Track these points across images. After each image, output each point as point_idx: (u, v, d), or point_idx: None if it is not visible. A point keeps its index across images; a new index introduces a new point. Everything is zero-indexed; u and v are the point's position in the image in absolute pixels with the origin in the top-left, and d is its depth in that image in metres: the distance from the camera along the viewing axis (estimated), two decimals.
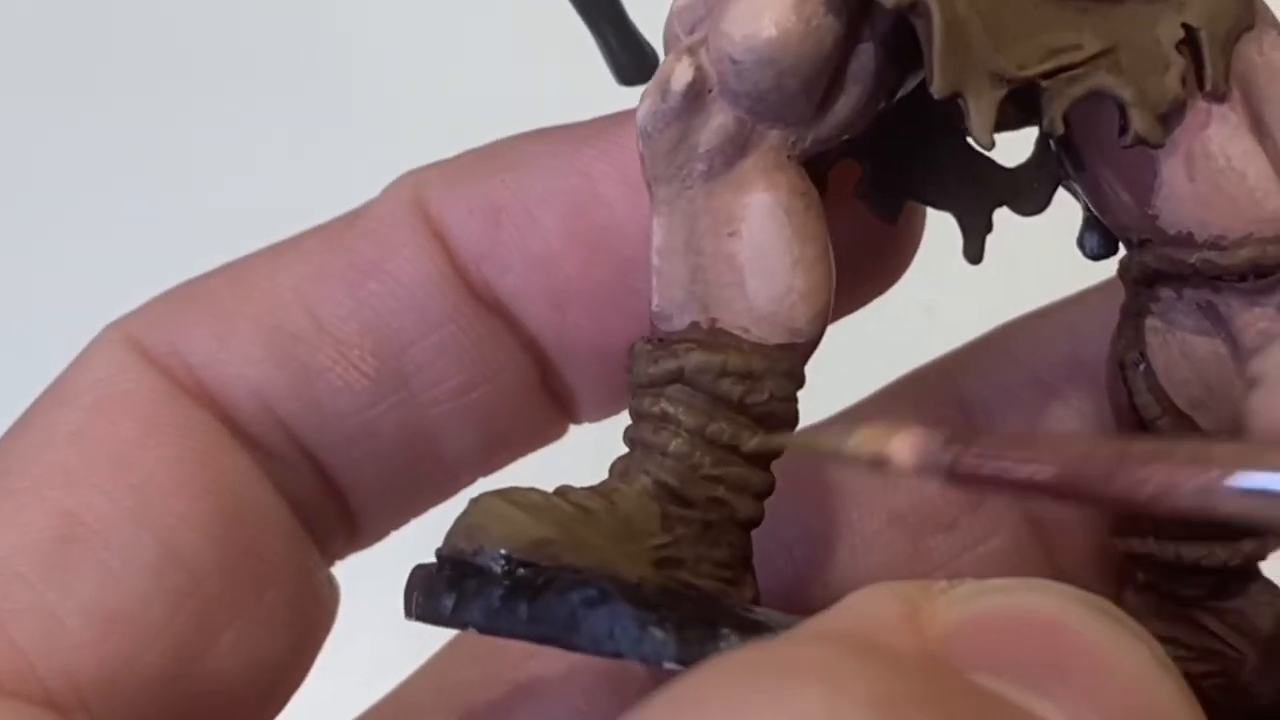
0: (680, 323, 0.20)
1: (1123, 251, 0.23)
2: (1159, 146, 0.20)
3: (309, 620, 0.24)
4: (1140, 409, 0.22)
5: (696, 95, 0.20)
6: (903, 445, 0.19)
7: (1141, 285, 0.22)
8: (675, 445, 0.20)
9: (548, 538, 0.19)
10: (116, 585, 0.21)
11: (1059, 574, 0.25)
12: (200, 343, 0.23)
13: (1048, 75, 0.19)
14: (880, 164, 0.23)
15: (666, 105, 0.20)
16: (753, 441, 0.20)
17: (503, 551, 0.19)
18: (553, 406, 0.25)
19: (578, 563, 0.19)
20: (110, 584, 0.21)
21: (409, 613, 0.20)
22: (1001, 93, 0.19)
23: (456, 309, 0.23)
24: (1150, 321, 0.22)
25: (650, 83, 0.20)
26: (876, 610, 0.17)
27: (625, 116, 0.22)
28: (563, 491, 0.20)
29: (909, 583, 0.18)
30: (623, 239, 0.23)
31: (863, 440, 0.19)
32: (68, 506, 0.21)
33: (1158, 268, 0.21)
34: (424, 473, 0.24)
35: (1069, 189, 0.23)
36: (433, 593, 0.20)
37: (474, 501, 0.20)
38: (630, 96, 0.22)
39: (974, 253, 0.23)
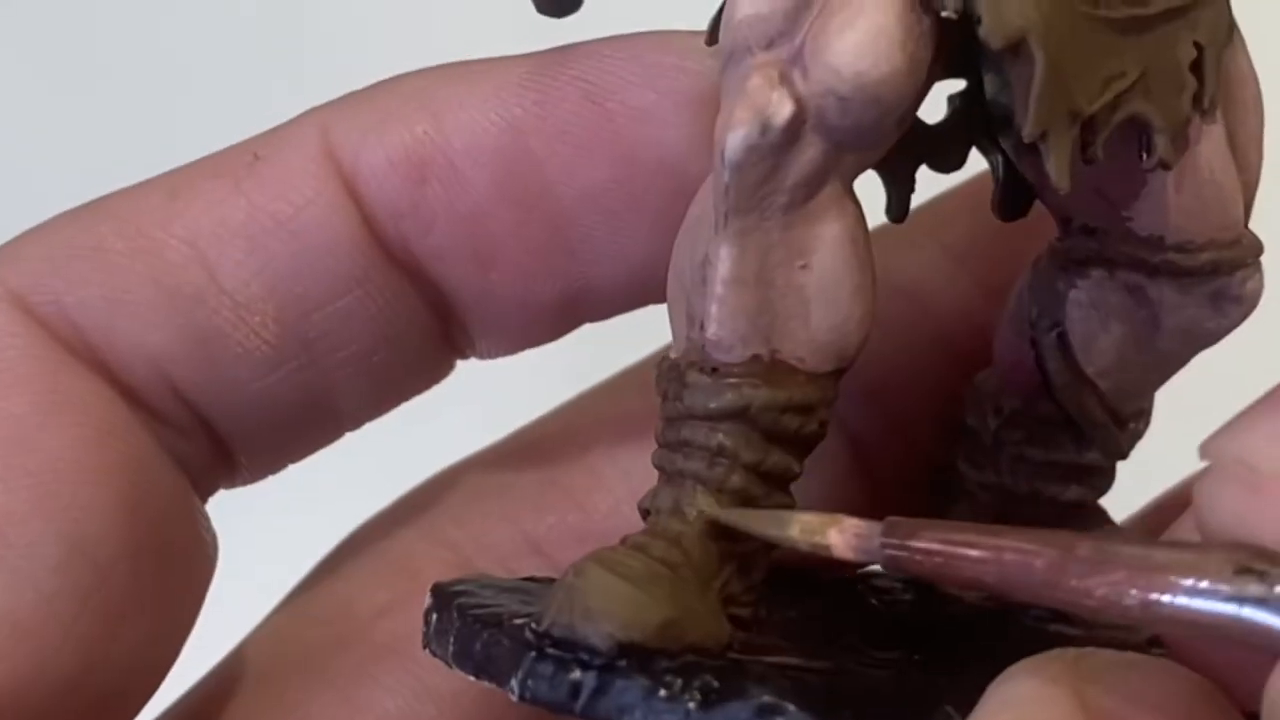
0: (740, 354, 0.20)
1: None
2: (1168, 169, 0.20)
3: (199, 579, 0.23)
4: (1049, 373, 0.23)
5: (795, 129, 0.19)
6: (841, 536, 0.19)
7: (1074, 263, 0.22)
8: (733, 481, 0.20)
9: (670, 619, 0.19)
10: (21, 588, 0.19)
11: (876, 490, 0.25)
12: (94, 305, 0.21)
13: (1108, 106, 0.19)
14: None
15: (765, 140, 0.19)
16: (709, 512, 0.20)
17: (633, 640, 0.18)
18: (451, 351, 0.24)
19: (698, 641, 0.19)
20: (14, 587, 0.19)
21: (515, 692, 0.19)
22: (1075, 132, 0.19)
23: (366, 273, 0.22)
24: (1075, 295, 0.22)
25: (741, 110, 0.19)
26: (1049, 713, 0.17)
27: (554, 63, 0.21)
28: (643, 546, 0.20)
29: (1052, 664, 0.18)
30: (556, 200, 0.22)
31: (804, 528, 0.19)
32: None
33: (1110, 257, 0.22)
34: (316, 427, 0.23)
35: (982, 149, 0.23)
36: (550, 678, 0.18)
37: (579, 574, 0.19)
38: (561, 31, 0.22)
39: (898, 211, 0.23)
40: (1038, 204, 0.22)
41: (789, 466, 0.20)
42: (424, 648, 0.20)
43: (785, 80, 0.19)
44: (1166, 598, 0.18)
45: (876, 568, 0.21)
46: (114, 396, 0.21)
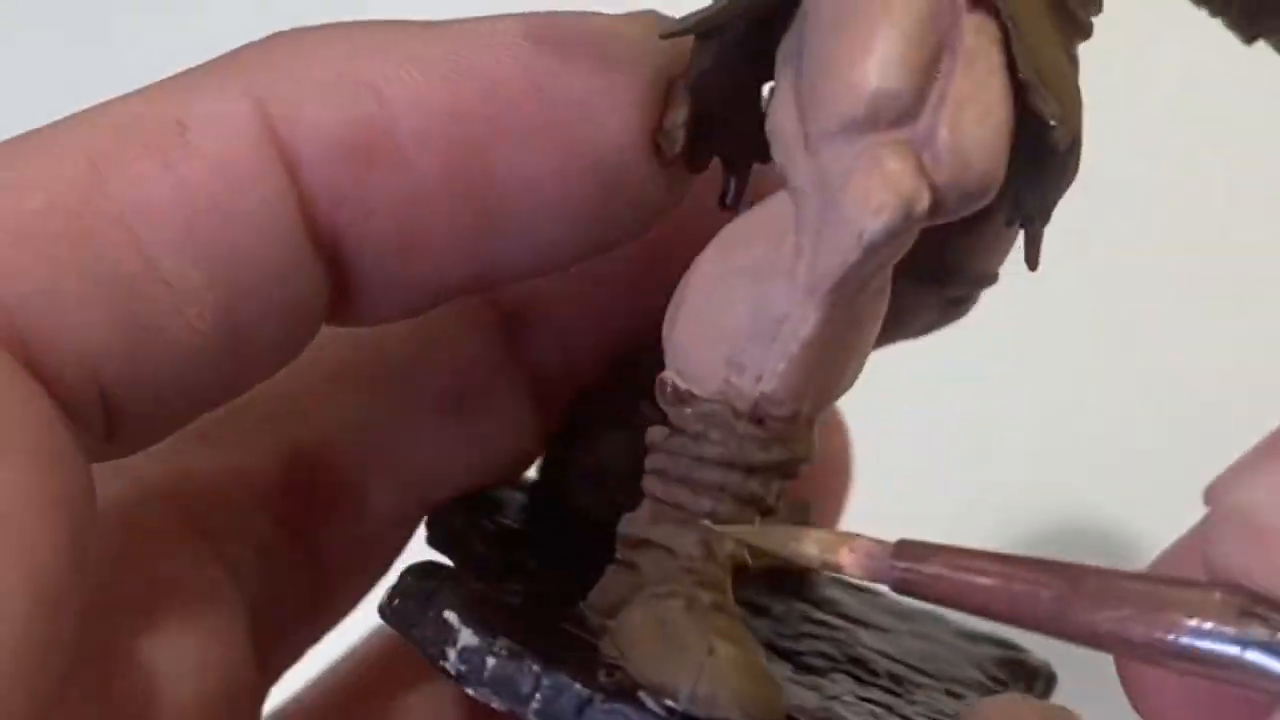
0: (787, 410, 0.20)
1: None
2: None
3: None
4: None
5: (924, 219, 0.19)
6: (852, 556, 0.19)
7: None
8: (752, 524, 0.21)
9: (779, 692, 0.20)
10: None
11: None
12: (31, 300, 0.18)
13: None
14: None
15: (905, 227, 0.18)
16: (716, 528, 0.20)
17: None
18: (325, 324, 0.22)
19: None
20: None
21: None
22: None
23: (295, 261, 0.20)
24: None
25: (884, 193, 0.18)
26: None
27: (499, 42, 0.20)
28: (722, 605, 0.20)
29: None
30: (492, 190, 0.21)
31: (815, 545, 0.19)
32: None
33: None
34: (206, 409, 0.22)
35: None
36: None
37: (713, 652, 0.19)
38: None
39: (734, 201, 0.23)
40: None
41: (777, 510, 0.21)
42: (441, 670, 0.20)
43: (920, 166, 0.18)
44: (1171, 636, 0.18)
45: None
46: (52, 408, 0.18)
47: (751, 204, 0.22)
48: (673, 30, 0.20)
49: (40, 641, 0.17)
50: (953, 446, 0.40)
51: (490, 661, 0.19)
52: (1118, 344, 0.40)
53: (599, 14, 0.21)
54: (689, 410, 0.20)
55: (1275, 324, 0.40)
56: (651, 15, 0.22)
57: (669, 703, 0.18)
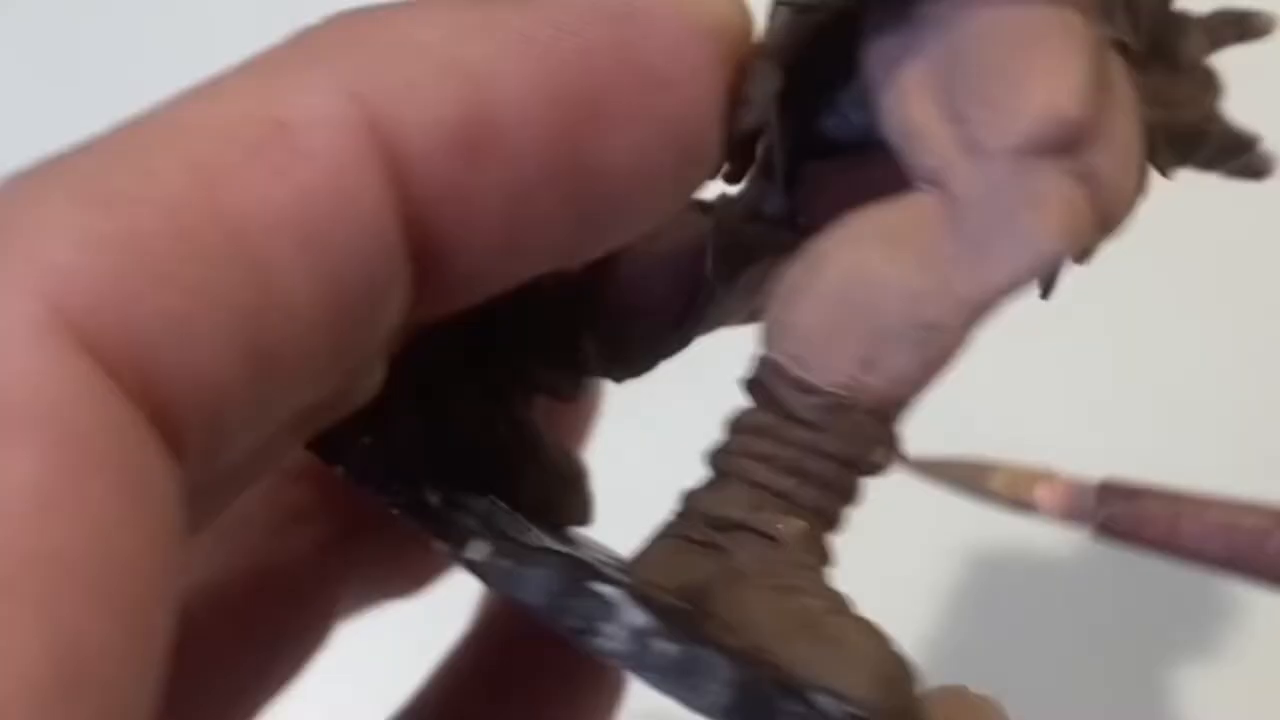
0: (900, 415, 0.20)
1: None
2: None
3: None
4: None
5: None
6: (1050, 494, 0.17)
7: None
8: (842, 520, 0.20)
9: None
10: None
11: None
12: (158, 337, 0.16)
13: None
14: None
15: (1074, 252, 0.19)
16: (905, 464, 0.18)
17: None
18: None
19: None
20: None
21: None
22: None
23: (395, 273, 0.20)
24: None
25: (1063, 222, 0.18)
26: None
27: (586, 16, 0.20)
28: (847, 603, 0.19)
29: None
30: (588, 176, 0.20)
31: (1008, 481, 0.17)
32: (63, 625, 0.14)
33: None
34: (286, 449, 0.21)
35: None
36: None
37: (889, 663, 0.18)
38: None
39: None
40: None
41: None
42: (604, 655, 0.18)
43: (1088, 201, 0.19)
44: None
45: None
46: (172, 470, 0.17)
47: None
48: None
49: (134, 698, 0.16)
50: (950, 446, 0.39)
51: (665, 646, 0.17)
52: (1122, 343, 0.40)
53: None
54: (813, 400, 0.19)
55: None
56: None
57: (854, 710, 0.17)
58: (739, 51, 0.20)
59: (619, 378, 0.22)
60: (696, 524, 0.18)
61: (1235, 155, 0.23)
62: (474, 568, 0.17)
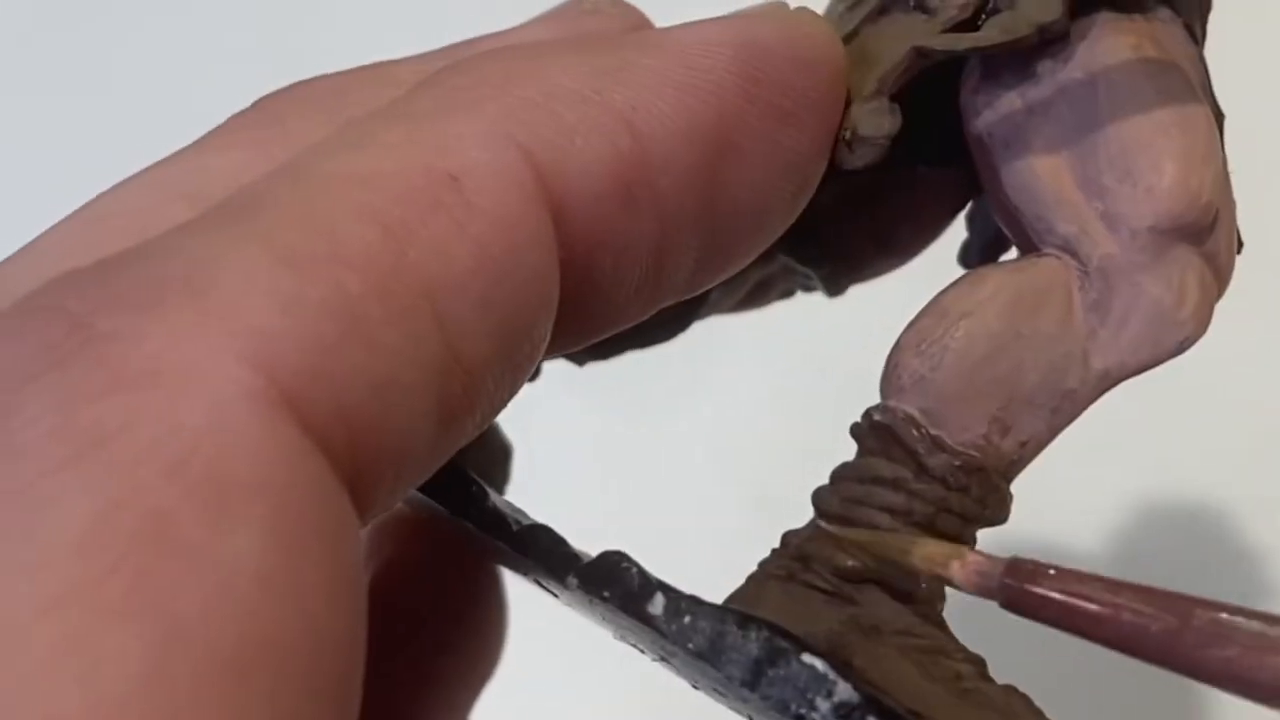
0: (1016, 474, 0.21)
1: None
2: None
3: None
4: None
5: None
6: (963, 571, 0.19)
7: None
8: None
9: None
10: None
11: None
12: (364, 403, 0.15)
13: None
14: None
15: (1195, 343, 0.20)
16: (832, 529, 0.20)
17: None
18: None
19: None
20: None
21: None
22: None
23: (549, 329, 0.18)
24: None
25: (1201, 310, 0.20)
26: None
27: (709, 50, 0.19)
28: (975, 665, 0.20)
29: None
30: (717, 213, 0.19)
31: (926, 556, 0.20)
32: (283, 716, 0.14)
33: None
34: None
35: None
36: None
37: (1013, 698, 0.19)
38: None
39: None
40: None
41: None
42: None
43: (1214, 282, 0.20)
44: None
45: None
46: (360, 534, 0.16)
47: None
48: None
49: None
50: None
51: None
52: None
53: (786, 7, 0.20)
54: (954, 462, 0.20)
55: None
56: (813, 13, 0.20)
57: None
58: (840, 83, 0.20)
59: (581, 360, 0.24)
60: (819, 571, 0.20)
61: None
62: (658, 626, 0.18)
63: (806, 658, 0.18)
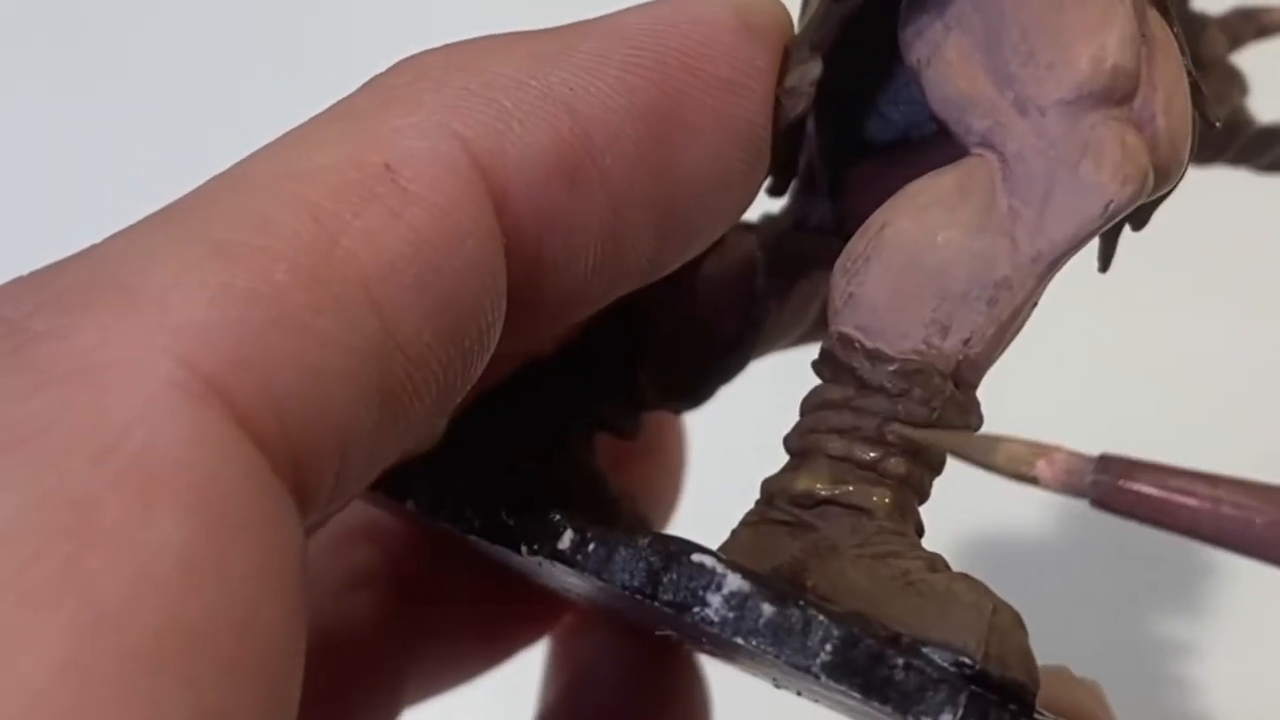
0: (979, 378, 0.20)
1: None
2: None
3: None
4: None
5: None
6: (1051, 469, 0.18)
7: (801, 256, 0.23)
8: (927, 489, 0.20)
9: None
10: None
11: None
12: (296, 388, 0.16)
13: None
14: None
15: (1138, 199, 0.19)
16: (908, 431, 0.20)
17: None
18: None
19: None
20: None
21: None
22: None
23: (499, 305, 0.18)
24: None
25: (1130, 166, 0.19)
26: None
27: (649, 35, 0.19)
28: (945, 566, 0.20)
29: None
30: (669, 187, 0.19)
31: (1010, 456, 0.18)
32: (206, 703, 0.14)
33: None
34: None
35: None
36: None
37: (998, 612, 0.18)
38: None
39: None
40: None
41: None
42: (700, 623, 0.18)
43: (1145, 145, 0.19)
44: None
45: None
46: (301, 536, 0.16)
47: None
48: None
49: None
50: None
51: (765, 608, 0.18)
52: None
53: None
54: (890, 368, 0.20)
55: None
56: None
57: (963, 659, 0.18)
58: (782, 47, 0.20)
59: (679, 409, 0.24)
60: (780, 505, 0.20)
61: (1265, 150, 0.22)
62: (566, 558, 0.19)
63: (695, 557, 0.18)
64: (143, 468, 0.14)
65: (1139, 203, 0.19)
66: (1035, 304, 0.20)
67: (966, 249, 0.20)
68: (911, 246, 0.20)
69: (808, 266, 0.23)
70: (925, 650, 0.18)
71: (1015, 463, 0.18)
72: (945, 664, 0.17)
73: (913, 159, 0.22)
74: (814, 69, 0.20)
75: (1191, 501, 0.17)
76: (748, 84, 0.20)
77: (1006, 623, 0.18)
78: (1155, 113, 0.19)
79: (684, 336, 0.24)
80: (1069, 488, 0.18)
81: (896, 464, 0.20)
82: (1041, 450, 0.18)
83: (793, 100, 0.20)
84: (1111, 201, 0.19)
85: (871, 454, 0.20)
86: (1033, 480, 0.18)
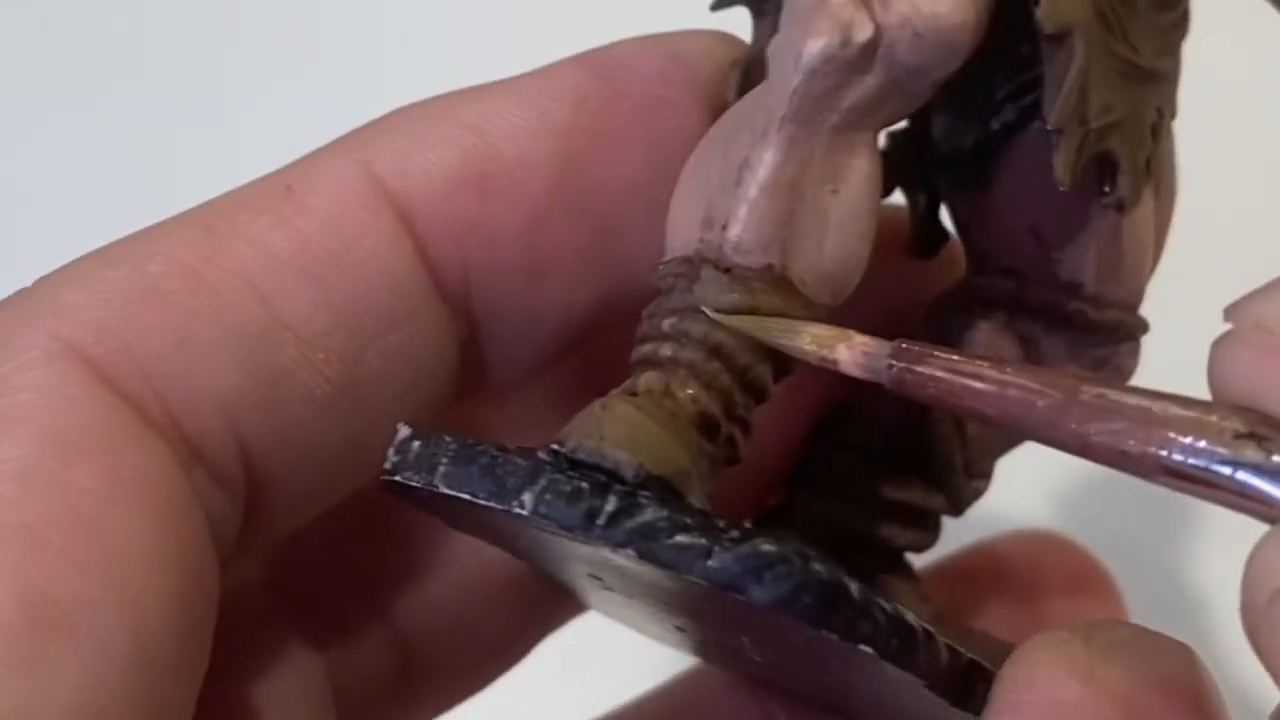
0: (757, 260, 0.20)
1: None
2: (1125, 213, 0.21)
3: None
4: (931, 411, 0.23)
5: (869, 53, 0.19)
6: (850, 352, 0.19)
7: (979, 304, 0.23)
8: (722, 381, 0.20)
9: (688, 468, 0.19)
10: (92, 684, 0.17)
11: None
12: (164, 352, 0.19)
13: (1097, 131, 0.20)
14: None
15: (843, 54, 0.19)
16: (717, 317, 0.20)
17: (660, 475, 0.19)
18: (457, 389, 0.22)
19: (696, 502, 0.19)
20: (87, 683, 0.17)
21: (528, 508, 0.18)
22: (1080, 136, 0.20)
23: (416, 305, 0.21)
24: (969, 336, 0.23)
25: (823, 21, 0.19)
26: (1061, 694, 0.18)
27: (576, 65, 0.22)
28: (648, 406, 0.20)
29: (1067, 647, 0.18)
30: (601, 198, 0.22)
31: (814, 339, 0.19)
32: (34, 579, 0.17)
33: (1023, 300, 0.23)
34: (350, 476, 0.21)
35: (905, 188, 0.24)
36: (569, 495, 0.18)
37: (606, 407, 0.19)
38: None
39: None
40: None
41: (766, 385, 0.20)
42: (388, 477, 0.19)
43: (866, 5, 0.19)
44: (1164, 452, 0.17)
45: None
46: (174, 465, 0.19)
47: None
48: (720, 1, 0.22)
49: (142, 701, 0.17)
50: None
51: (415, 444, 0.19)
52: None
53: (658, 34, 0.23)
54: (664, 269, 0.21)
55: None
56: (716, 32, 0.23)
57: (554, 446, 0.19)
58: (721, 69, 0.22)
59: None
60: None
61: None
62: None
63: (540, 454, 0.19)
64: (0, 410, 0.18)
65: (849, 54, 0.19)
66: (836, 179, 0.20)
67: (720, 149, 0.21)
68: (689, 167, 0.21)
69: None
70: (536, 450, 0.19)
71: (818, 345, 0.19)
72: (543, 455, 0.19)
73: (1004, 168, 0.23)
74: (733, 77, 0.22)
75: (978, 385, 0.18)
76: (680, 99, 0.22)
77: (616, 416, 0.19)
78: None
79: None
80: (867, 370, 0.19)
81: (666, 349, 0.20)
82: (843, 335, 0.19)
83: (723, 111, 0.22)
84: (801, 55, 0.19)
85: (647, 349, 0.20)
86: (833, 363, 0.19)
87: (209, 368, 0.19)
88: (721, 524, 0.18)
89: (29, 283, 0.20)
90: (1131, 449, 0.17)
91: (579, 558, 0.20)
